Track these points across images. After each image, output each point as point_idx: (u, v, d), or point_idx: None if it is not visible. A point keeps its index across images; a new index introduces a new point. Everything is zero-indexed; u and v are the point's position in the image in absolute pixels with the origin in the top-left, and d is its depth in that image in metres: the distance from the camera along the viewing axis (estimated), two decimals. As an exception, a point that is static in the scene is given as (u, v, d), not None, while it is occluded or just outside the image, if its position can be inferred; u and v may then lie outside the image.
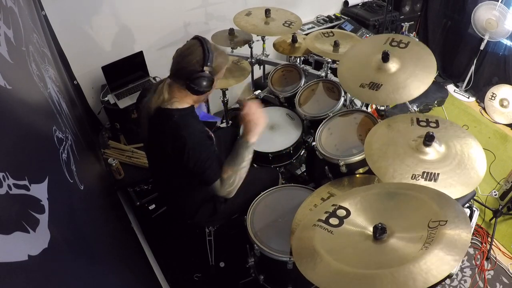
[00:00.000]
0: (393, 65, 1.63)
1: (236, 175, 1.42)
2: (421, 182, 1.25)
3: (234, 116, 2.58)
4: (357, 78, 1.65)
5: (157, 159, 1.58)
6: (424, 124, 1.48)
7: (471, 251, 2.33)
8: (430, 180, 1.25)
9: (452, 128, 1.45)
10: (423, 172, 1.27)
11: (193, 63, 1.33)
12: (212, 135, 1.57)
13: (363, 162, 1.58)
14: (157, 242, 2.30)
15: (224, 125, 2.68)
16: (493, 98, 3.34)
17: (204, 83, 1.34)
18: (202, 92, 1.38)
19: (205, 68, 1.32)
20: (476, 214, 1.72)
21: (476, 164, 1.29)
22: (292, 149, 2.01)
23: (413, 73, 1.59)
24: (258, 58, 2.61)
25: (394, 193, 1.12)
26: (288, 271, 1.50)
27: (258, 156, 2.02)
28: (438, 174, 1.26)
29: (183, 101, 1.42)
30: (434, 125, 1.47)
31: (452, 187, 1.22)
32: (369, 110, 2.27)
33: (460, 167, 1.28)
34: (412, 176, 1.27)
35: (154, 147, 1.53)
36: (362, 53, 1.79)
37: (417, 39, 3.60)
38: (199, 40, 1.36)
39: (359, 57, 1.78)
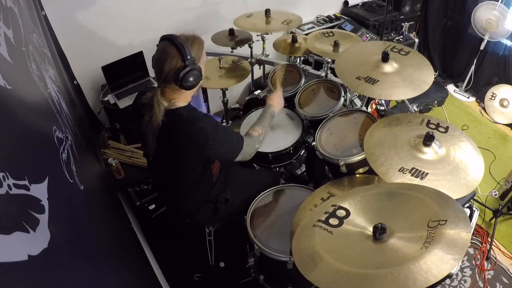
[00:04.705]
0: (391, 66, 1.63)
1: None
2: (407, 176, 1.25)
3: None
4: (354, 71, 1.65)
5: (168, 163, 1.55)
6: (433, 127, 1.47)
7: (471, 251, 2.33)
8: (416, 177, 1.25)
9: (460, 138, 1.43)
10: (412, 168, 1.27)
11: (174, 64, 1.32)
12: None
13: (363, 162, 1.58)
14: (157, 242, 2.30)
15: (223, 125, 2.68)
16: (493, 98, 3.34)
17: (192, 78, 1.35)
18: (196, 84, 1.39)
19: (187, 62, 1.32)
20: (476, 214, 1.72)
21: (468, 177, 1.27)
22: (292, 149, 2.01)
23: (410, 76, 1.59)
24: (258, 58, 2.61)
25: (393, 193, 1.11)
26: (288, 271, 1.50)
27: (258, 156, 2.02)
28: (426, 173, 1.26)
29: (182, 99, 1.43)
30: (443, 130, 1.46)
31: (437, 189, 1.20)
32: (369, 110, 2.27)
33: (451, 174, 1.27)
34: (400, 169, 1.28)
35: (166, 150, 1.50)
36: (362, 52, 1.80)
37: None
38: (168, 39, 1.35)
39: (358, 54, 1.78)
